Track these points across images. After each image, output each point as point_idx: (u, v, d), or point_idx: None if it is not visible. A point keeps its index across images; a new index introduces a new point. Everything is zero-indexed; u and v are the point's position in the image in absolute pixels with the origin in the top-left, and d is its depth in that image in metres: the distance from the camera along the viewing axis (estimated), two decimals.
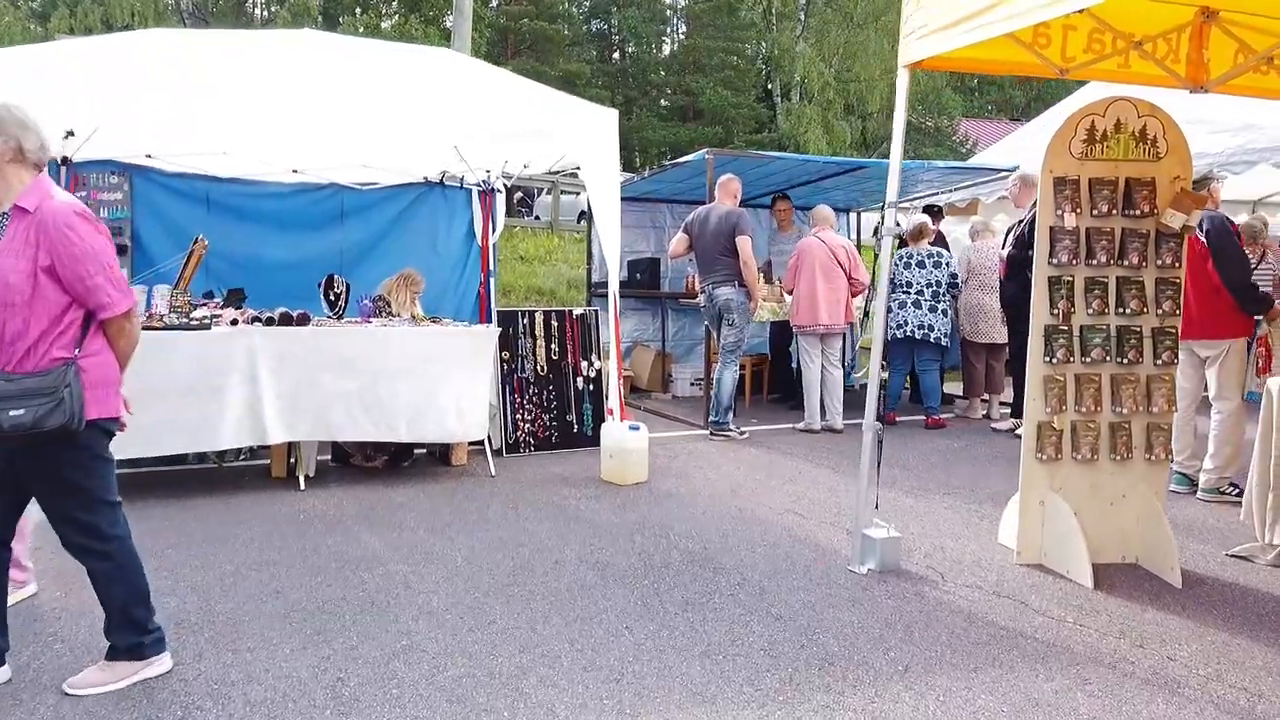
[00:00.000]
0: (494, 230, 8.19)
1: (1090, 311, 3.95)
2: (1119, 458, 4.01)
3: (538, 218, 17.78)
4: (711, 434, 7.06)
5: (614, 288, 5.86)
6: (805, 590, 3.74)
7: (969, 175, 8.68)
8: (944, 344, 7.58)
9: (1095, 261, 3.93)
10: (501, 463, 6.04)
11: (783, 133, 30.77)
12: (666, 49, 40.34)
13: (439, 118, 5.76)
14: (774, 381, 9.30)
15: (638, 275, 9.34)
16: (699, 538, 4.44)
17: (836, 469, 6.02)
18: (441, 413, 5.54)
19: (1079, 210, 3.91)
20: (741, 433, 7.10)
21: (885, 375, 8.04)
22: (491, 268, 8.17)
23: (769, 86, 36.67)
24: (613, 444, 5.57)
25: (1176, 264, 3.96)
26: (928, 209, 8.70)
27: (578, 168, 6.03)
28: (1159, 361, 3.99)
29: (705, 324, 7.28)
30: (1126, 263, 3.94)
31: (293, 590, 3.68)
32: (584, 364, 6.64)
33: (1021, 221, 7.09)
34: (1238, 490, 5.16)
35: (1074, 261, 3.92)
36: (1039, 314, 3.97)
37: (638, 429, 5.59)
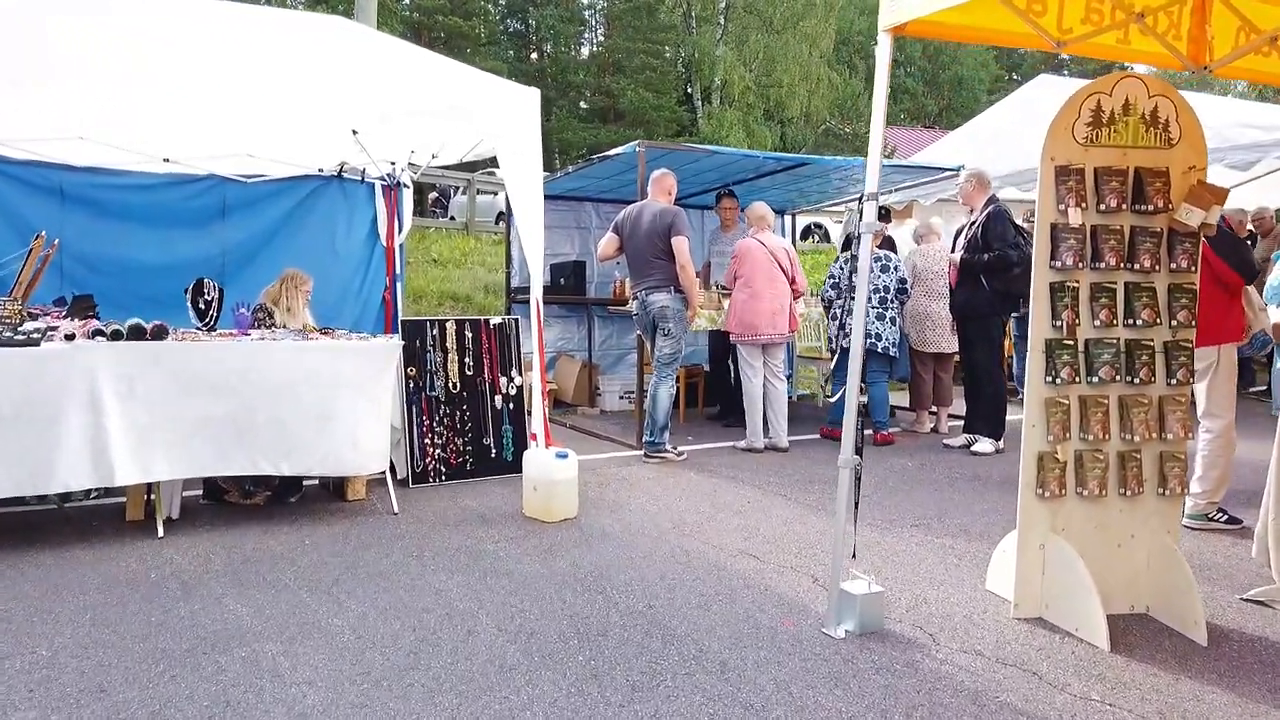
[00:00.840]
0: (400, 229, 7.37)
1: (1097, 323, 3.39)
2: (1129, 492, 3.46)
3: (453, 218, 16.86)
4: (646, 456, 6.36)
5: (536, 293, 5.12)
6: (775, 664, 3.06)
7: (912, 174, 8.20)
8: (893, 354, 7.05)
9: (1102, 265, 3.37)
10: (407, 496, 5.23)
11: (704, 136, 30.39)
12: (586, 50, 39.68)
13: (336, 98, 4.95)
14: (710, 394, 8.67)
15: (561, 280, 8.61)
16: (642, 592, 3.74)
17: (789, 497, 5.39)
18: (334, 441, 4.71)
19: (1084, 205, 3.35)
20: (679, 454, 6.43)
21: (828, 390, 7.47)
22: (398, 271, 7.35)
23: (689, 90, 36.35)
24: (537, 475, 4.82)
25: (1192, 267, 3.42)
26: None
27: (495, 160, 5.27)
28: (1173, 380, 3.45)
29: (637, 332, 6.58)
30: (1136, 266, 3.39)
31: (123, 686, 2.84)
32: (503, 380, 5.87)
33: (973, 223, 6.62)
34: (1226, 517, 4.71)
35: (1079, 265, 3.35)
36: (1039, 326, 3.39)
37: (565, 457, 4.86)
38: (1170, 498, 3.51)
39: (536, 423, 5.04)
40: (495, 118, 4.89)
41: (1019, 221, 6.96)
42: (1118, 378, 3.40)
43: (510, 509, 5.02)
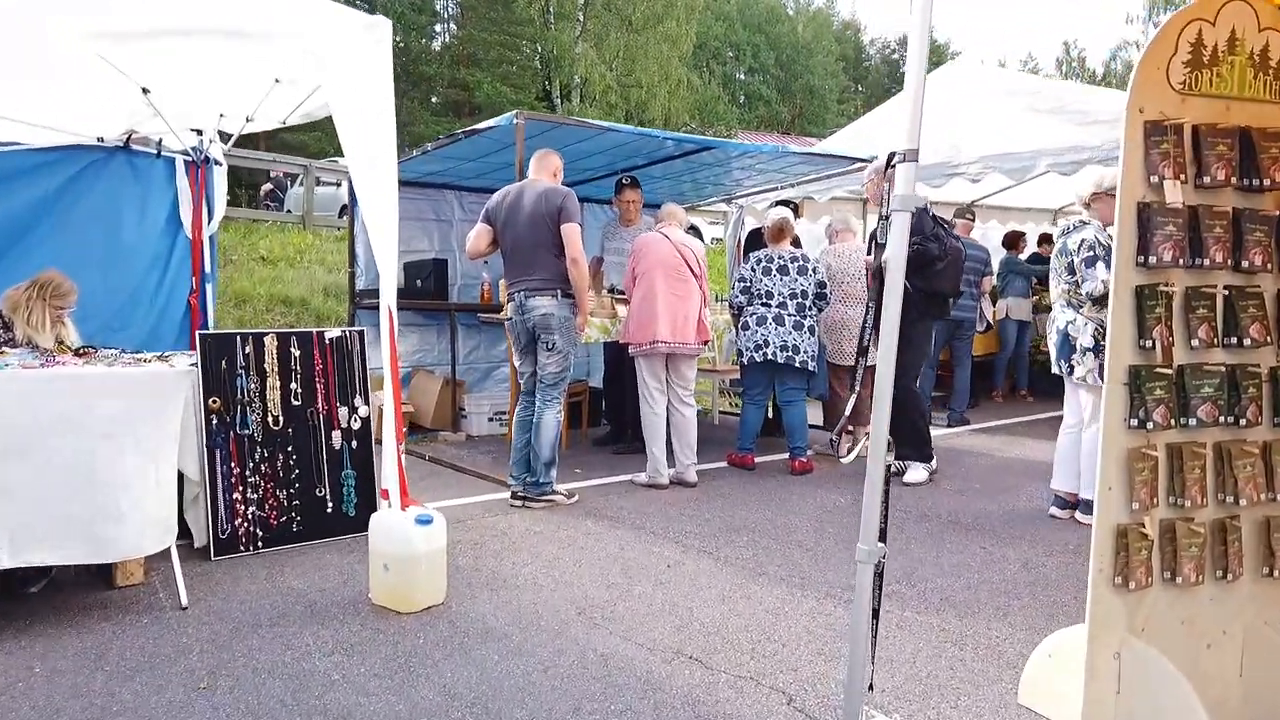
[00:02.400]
0: (209, 217, 5.85)
1: (1195, 343, 2.43)
2: (1227, 576, 2.52)
3: (289, 211, 14.99)
4: (528, 501, 5.12)
5: (388, 298, 3.78)
6: None
7: (820, 165, 7.30)
8: (811, 368, 6.08)
9: (1204, 261, 2.41)
10: (206, 575, 3.81)
11: None
12: (439, 41, 37.75)
13: (112, 35, 3.48)
14: (595, 413, 7.49)
15: (418, 282, 7.25)
16: None
17: (716, 555, 4.28)
18: (89, 513, 3.26)
19: (1183, 177, 2.38)
20: (570, 496, 5.22)
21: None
22: (207, 269, 5.83)
23: (548, 86, 35.14)
24: (390, 549, 3.52)
25: None
26: (781, 204, 7.22)
27: (336, 140, 3.91)
28: None
29: (515, 347, 5.30)
30: (1246, 264, 2.45)
31: None
32: (343, 411, 4.50)
33: (889, 217, 5.72)
34: None
35: (1179, 260, 2.37)
36: (1121, 348, 2.40)
37: (429, 522, 3.57)
38: (1268, 580, 2.59)
39: (390, 472, 3.72)
40: (325, 52, 3.54)
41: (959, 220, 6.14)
42: (1220, 418, 2.45)
43: (352, 592, 3.69)
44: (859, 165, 7.17)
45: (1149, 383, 2.37)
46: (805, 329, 6.01)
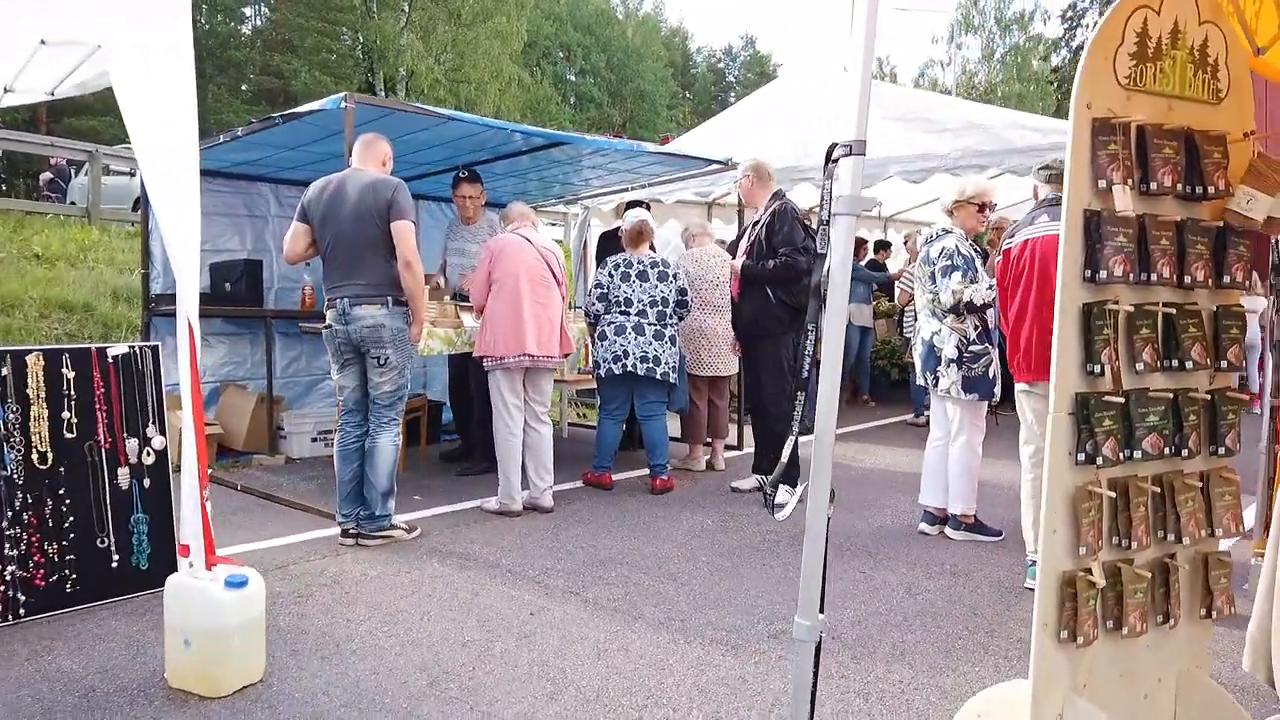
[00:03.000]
0: None
1: (1139, 366, 2.19)
2: (1168, 620, 2.31)
3: (73, 203, 13.30)
4: (362, 538, 4.48)
5: (188, 306, 3.08)
6: None
7: (678, 166, 6.97)
8: (671, 380, 5.72)
9: (1151, 276, 2.17)
10: None
11: None
12: (249, 24, 35.24)
13: None
14: (435, 428, 6.85)
15: (227, 285, 6.39)
16: None
17: (584, 596, 3.82)
18: None
19: (1130, 181, 2.13)
20: (411, 529, 4.62)
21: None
22: None
23: (371, 78, 33.53)
24: (194, 621, 2.84)
25: (1245, 281, 2.33)
26: (633, 205, 6.84)
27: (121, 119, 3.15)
28: (1219, 449, 2.34)
29: (333, 361, 4.60)
30: (1189, 279, 2.24)
31: None
32: (132, 443, 3.72)
33: (756, 223, 5.48)
34: None
35: (1128, 276, 2.13)
36: (1067, 373, 2.13)
37: (243, 584, 2.91)
38: (1206, 621, 2.41)
39: (189, 522, 3.01)
40: (103, 7, 2.82)
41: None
42: (1165, 449, 2.22)
43: (144, 672, 2.98)
44: (715, 167, 6.91)
45: (1098, 412, 2.11)
46: (666, 339, 5.65)
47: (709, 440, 6.52)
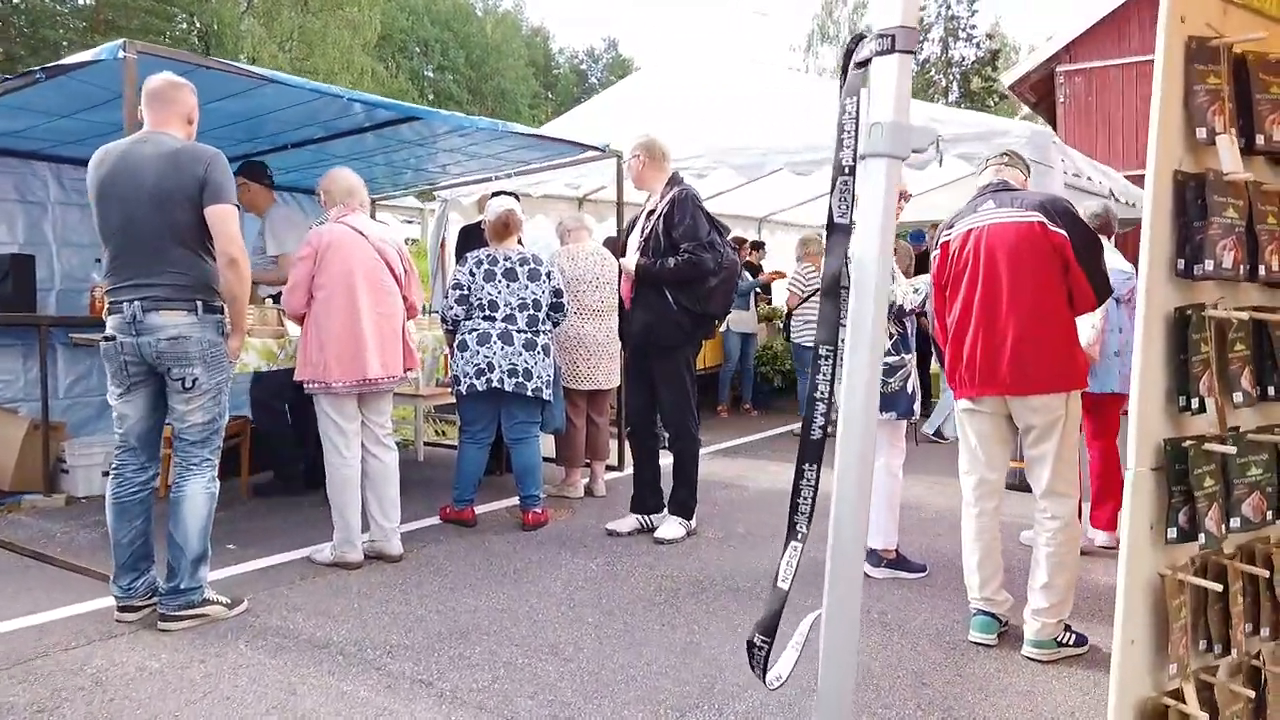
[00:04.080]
0: None
1: (1238, 398, 1.54)
2: None
3: None
4: (164, 620, 3.44)
5: None
6: None
7: (551, 152, 6.14)
8: (545, 397, 4.89)
9: (1255, 271, 1.53)
10: None
11: None
12: (69, 3, 32.06)
13: None
14: (258, 454, 5.76)
15: None
16: None
17: (437, 684, 2.94)
18: None
19: (1232, 129, 1.48)
20: (234, 604, 3.60)
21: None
22: None
23: None
24: None
25: None
26: (504, 194, 5.95)
27: None
28: None
29: (113, 383, 3.54)
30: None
31: None
32: None
33: (651, 213, 4.70)
34: (1075, 637, 3.30)
35: (1239, 268, 1.47)
36: (1150, 409, 1.45)
37: None
38: None
39: None
40: None
41: None
42: (1267, 514, 1.58)
43: None
44: (591, 155, 6.13)
45: (1198, 467, 1.44)
46: (539, 349, 4.82)
47: (588, 462, 5.73)
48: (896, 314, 3.91)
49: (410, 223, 16.41)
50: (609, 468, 5.97)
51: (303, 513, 5.15)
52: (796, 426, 8.05)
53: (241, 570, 4.12)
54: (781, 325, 9.70)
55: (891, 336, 3.96)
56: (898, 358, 3.96)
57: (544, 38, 59.67)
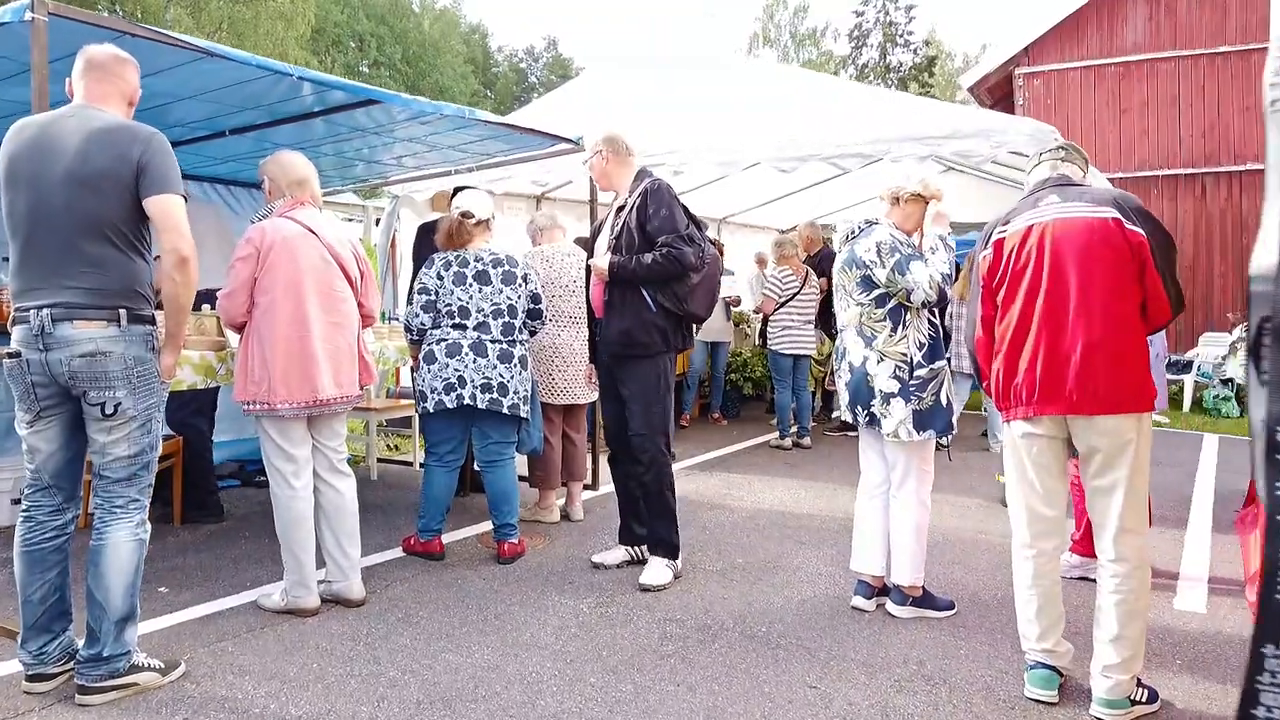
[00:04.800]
0: None
1: None
2: None
3: None
4: (85, 689, 2.85)
5: None
6: None
7: (519, 144, 5.62)
8: (523, 414, 4.39)
9: None
10: None
11: None
12: None
13: None
14: (188, 482, 5.13)
15: None
16: None
17: None
18: None
19: None
20: (168, 669, 3.02)
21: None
22: None
23: None
24: None
25: None
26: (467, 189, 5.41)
27: None
28: None
29: (20, 408, 2.91)
30: None
31: None
32: None
33: (622, 208, 4.20)
34: (1147, 693, 2.93)
35: None
36: None
37: None
38: None
39: None
40: None
41: None
42: None
43: None
44: (562, 147, 5.64)
45: None
46: (515, 360, 4.32)
47: (564, 482, 5.24)
48: (936, 303, 3.52)
49: (351, 220, 15.65)
50: (585, 487, 5.49)
51: (244, 545, 4.57)
52: (772, 437, 7.67)
53: (176, 620, 3.54)
54: (750, 331, 9.32)
55: (922, 345, 3.56)
56: (928, 368, 3.56)
57: (483, 35, 58.75)
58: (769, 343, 7.49)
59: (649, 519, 4.19)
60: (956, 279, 3.62)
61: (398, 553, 4.48)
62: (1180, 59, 12.07)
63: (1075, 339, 2.77)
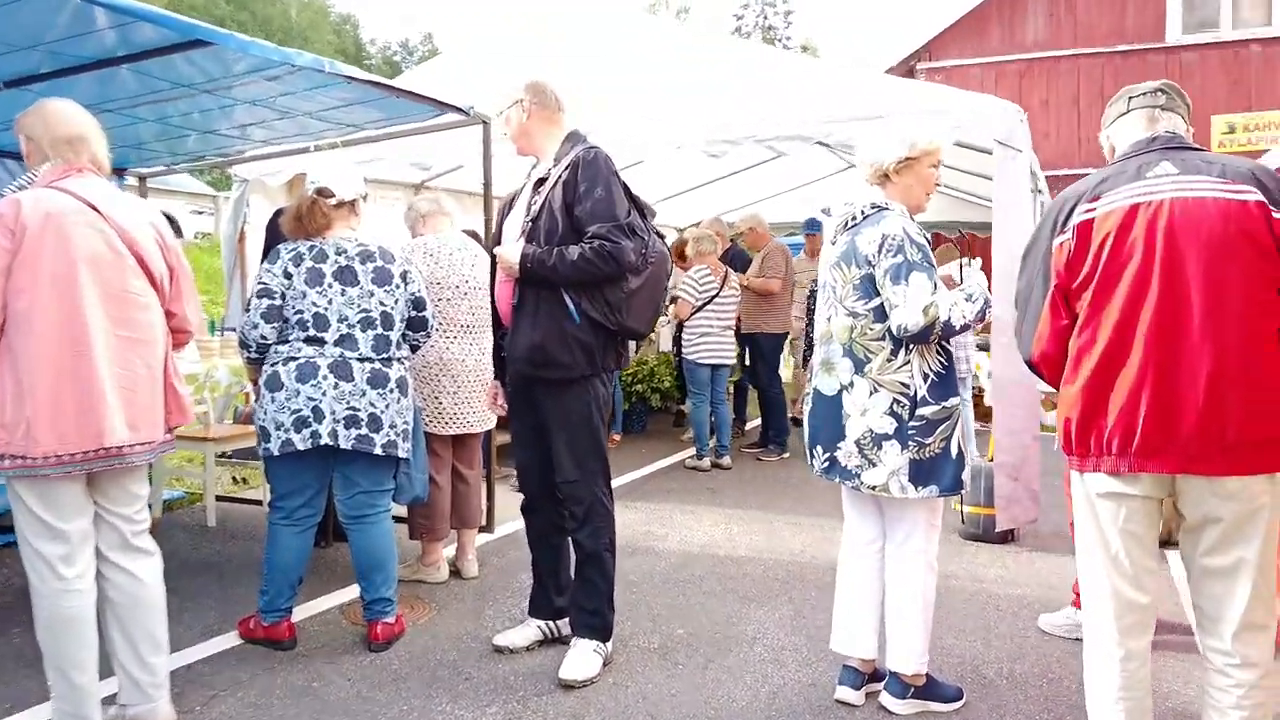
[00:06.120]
0: None
1: None
2: None
3: None
4: None
5: None
6: None
7: (397, 113, 4.54)
8: (401, 454, 3.36)
9: None
10: None
11: None
12: None
13: None
14: None
15: None
16: None
17: None
18: None
19: None
20: None
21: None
22: None
23: None
24: None
25: None
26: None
27: None
28: None
29: None
30: None
31: None
32: None
33: (542, 182, 3.21)
34: None
35: None
36: None
37: None
38: None
39: None
40: None
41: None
42: None
43: None
44: (450, 118, 4.62)
45: None
46: (391, 384, 3.29)
47: (454, 527, 4.22)
48: (939, 335, 2.68)
49: (201, 213, 13.96)
50: (480, 529, 4.47)
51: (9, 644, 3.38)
52: (688, 457, 6.83)
53: None
54: (655, 338, 8.45)
55: (928, 376, 2.73)
56: (939, 406, 2.73)
57: (354, 26, 56.27)
58: (684, 351, 6.63)
59: (576, 588, 3.24)
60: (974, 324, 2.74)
61: (234, 640, 3.38)
62: (1080, 57, 11.93)
63: (1199, 368, 1.99)
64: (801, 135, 5.11)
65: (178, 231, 13.52)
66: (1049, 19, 12.01)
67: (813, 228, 8.19)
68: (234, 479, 6.04)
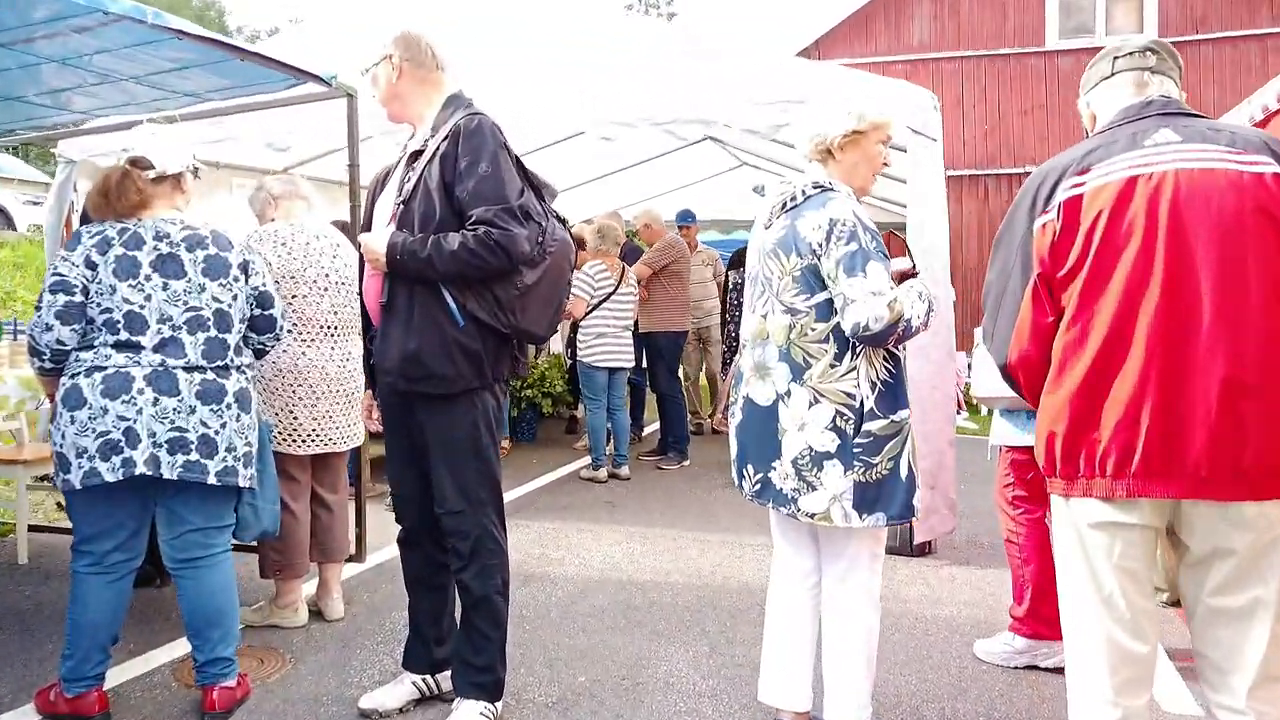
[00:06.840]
0: None
1: None
2: None
3: None
4: None
5: None
6: None
7: (237, 80, 3.90)
8: (241, 483, 2.77)
9: None
10: None
11: None
12: None
13: None
14: None
15: None
16: None
17: None
18: None
19: None
20: None
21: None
22: None
23: None
24: None
25: None
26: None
27: None
28: None
29: None
30: None
31: None
32: None
33: (418, 156, 2.64)
34: None
35: None
36: None
37: None
38: None
39: None
40: None
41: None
42: None
43: None
44: (311, 90, 4.02)
45: None
46: (229, 398, 2.70)
47: (316, 561, 3.63)
48: (900, 336, 2.29)
49: (37, 204, 12.59)
50: (349, 559, 3.88)
51: None
52: (583, 467, 6.36)
53: None
54: (568, 339, 7.94)
55: (876, 385, 2.34)
56: (886, 420, 2.34)
57: (220, 12, 53.41)
58: (579, 354, 6.16)
59: (461, 639, 2.72)
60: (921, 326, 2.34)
61: (31, 715, 2.73)
62: (963, 60, 12.05)
63: (1211, 372, 1.65)
64: (703, 119, 4.73)
65: (9, 224, 12.15)
66: (933, 21, 12.08)
67: (686, 219, 7.81)
68: (59, 505, 5.22)
